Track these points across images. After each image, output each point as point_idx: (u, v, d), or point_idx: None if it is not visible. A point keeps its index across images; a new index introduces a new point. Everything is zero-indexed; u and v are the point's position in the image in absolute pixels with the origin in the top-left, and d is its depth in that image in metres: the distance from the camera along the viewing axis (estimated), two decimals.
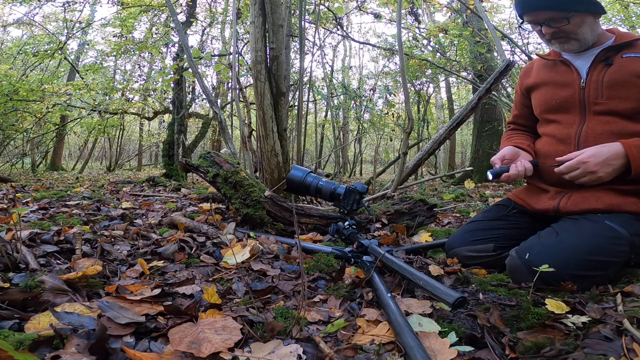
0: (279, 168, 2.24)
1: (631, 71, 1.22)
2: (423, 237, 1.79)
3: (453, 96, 9.00)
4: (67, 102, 6.56)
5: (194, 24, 5.71)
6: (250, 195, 1.69)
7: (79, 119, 7.57)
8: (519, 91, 1.55)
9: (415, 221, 1.93)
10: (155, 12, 5.95)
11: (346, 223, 1.50)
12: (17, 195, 2.61)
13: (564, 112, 1.34)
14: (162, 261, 1.27)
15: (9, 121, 6.67)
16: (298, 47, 3.39)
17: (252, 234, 1.61)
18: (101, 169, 11.38)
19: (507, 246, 1.30)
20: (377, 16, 5.62)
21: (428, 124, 8.77)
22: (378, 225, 1.85)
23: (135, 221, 1.71)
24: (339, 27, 5.21)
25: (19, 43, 7.26)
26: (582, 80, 1.30)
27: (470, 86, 8.15)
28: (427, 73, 6.91)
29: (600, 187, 1.20)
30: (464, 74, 6.33)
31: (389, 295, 0.94)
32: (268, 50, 2.28)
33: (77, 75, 7.88)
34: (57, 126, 7.94)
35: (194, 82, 5.86)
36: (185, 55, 5.52)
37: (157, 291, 0.98)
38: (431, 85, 8.44)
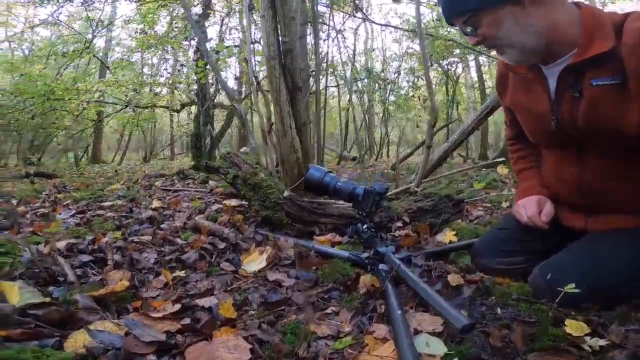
0: (298, 164, 2.26)
1: (609, 111, 0.92)
2: (447, 237, 1.74)
3: (484, 75, 8.53)
4: (101, 98, 6.90)
5: (212, 15, 5.73)
6: (269, 197, 1.73)
7: (113, 115, 7.95)
8: (503, 105, 1.29)
9: (439, 219, 1.87)
10: (174, 6, 6.03)
11: (364, 226, 1.50)
12: (58, 196, 2.80)
13: (555, 147, 1.14)
14: (185, 271, 1.34)
15: (49, 120, 7.12)
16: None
17: (270, 236, 1.65)
18: (138, 160, 11.99)
19: (537, 257, 1.23)
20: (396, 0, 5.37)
21: (458, 104, 8.41)
22: (399, 224, 1.83)
23: (162, 225, 1.80)
24: (357, 10, 5.04)
25: (48, 43, 7.67)
26: (553, 116, 1.03)
27: None
28: (455, 52, 6.59)
29: (630, 210, 1.08)
30: (494, 53, 5.97)
31: (399, 312, 0.94)
32: (281, 45, 2.23)
33: (107, 71, 8.21)
34: (93, 122, 8.39)
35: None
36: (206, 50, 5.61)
37: (177, 307, 1.05)
38: (459, 65, 8.05)
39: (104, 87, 6.60)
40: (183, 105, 7.09)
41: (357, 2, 5.12)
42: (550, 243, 1.24)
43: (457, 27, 1.04)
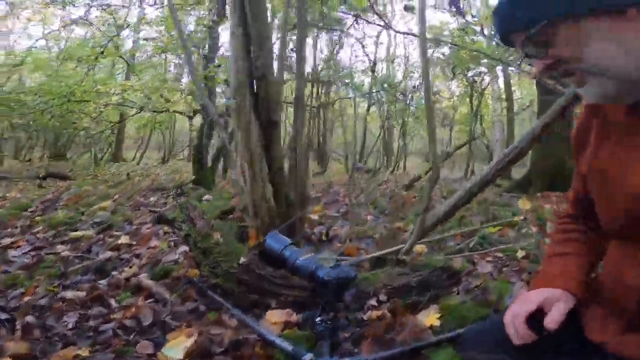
0: (270, 214, 1.98)
1: None
2: (429, 319, 1.42)
3: (513, 87, 7.88)
4: (120, 101, 7.01)
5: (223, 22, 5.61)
6: (219, 265, 1.51)
7: (131, 117, 8.09)
8: (576, 171, 0.88)
9: (426, 295, 1.53)
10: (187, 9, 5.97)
11: (318, 318, 1.24)
12: (35, 219, 2.72)
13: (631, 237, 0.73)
14: (94, 347, 1.17)
15: (70, 120, 7.32)
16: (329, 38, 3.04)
17: (214, 309, 1.44)
18: (157, 160, 12.23)
19: None
20: (409, 8, 5.00)
21: (482, 118, 7.87)
22: (373, 302, 1.53)
23: (100, 282, 1.63)
24: (376, 15, 4.73)
25: (79, 42, 7.88)
26: None
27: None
28: (482, 62, 6.13)
29: None
30: (528, 68, 5.47)
31: None
32: (254, 69, 1.92)
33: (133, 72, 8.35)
34: (112, 124, 8.58)
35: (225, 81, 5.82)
36: (216, 57, 5.50)
37: None
38: (486, 77, 7.47)
39: (121, 90, 6.67)
40: (195, 112, 7.06)
41: (376, 9, 4.82)
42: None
43: (516, 48, 0.71)
